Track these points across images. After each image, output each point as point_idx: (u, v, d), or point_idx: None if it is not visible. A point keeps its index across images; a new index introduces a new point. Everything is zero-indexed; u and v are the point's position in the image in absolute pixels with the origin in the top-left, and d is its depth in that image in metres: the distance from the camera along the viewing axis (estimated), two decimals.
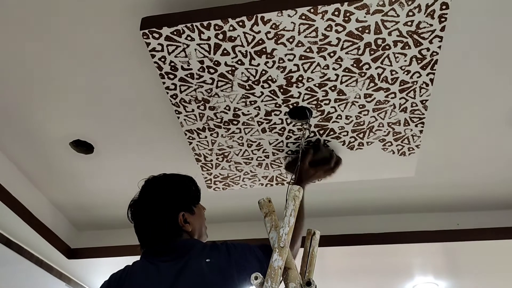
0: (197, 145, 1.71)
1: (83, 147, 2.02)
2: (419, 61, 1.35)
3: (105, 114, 1.83)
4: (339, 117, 1.56)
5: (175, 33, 1.30)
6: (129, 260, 2.62)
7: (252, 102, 1.51)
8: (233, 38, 1.30)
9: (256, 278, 1.09)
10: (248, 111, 1.55)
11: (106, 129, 1.91)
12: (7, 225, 2.24)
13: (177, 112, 1.57)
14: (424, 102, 1.49)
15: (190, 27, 1.28)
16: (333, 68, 1.38)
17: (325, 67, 1.38)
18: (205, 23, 1.27)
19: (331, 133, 1.62)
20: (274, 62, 1.37)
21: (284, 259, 1.13)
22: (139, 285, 1.18)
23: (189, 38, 1.31)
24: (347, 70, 1.39)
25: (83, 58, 1.59)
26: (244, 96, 1.49)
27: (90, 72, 1.64)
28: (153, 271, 1.19)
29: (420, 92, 1.45)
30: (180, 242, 1.24)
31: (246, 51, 1.34)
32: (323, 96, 1.48)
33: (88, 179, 2.24)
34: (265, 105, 1.52)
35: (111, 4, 1.41)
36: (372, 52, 1.33)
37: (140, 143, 1.98)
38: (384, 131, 1.61)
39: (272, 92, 1.47)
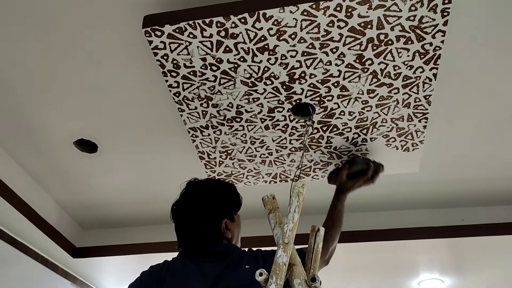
0: (200, 142, 1.71)
1: (87, 146, 2.03)
2: (422, 56, 1.34)
3: (109, 113, 1.83)
4: (342, 113, 1.55)
5: (177, 30, 1.30)
6: (135, 258, 2.65)
7: (255, 99, 1.51)
8: (235, 35, 1.30)
9: (261, 274, 1.08)
10: (251, 108, 1.55)
11: (110, 128, 1.91)
12: (12, 225, 2.25)
13: (180, 110, 1.57)
14: (427, 97, 1.48)
15: (192, 24, 1.28)
16: (336, 64, 1.38)
17: (328, 63, 1.37)
18: (207, 20, 1.27)
19: (334, 129, 1.62)
20: (276, 58, 1.37)
21: (289, 256, 1.13)
22: (182, 281, 1.21)
23: (191, 35, 1.31)
24: (349, 66, 1.39)
25: (86, 57, 1.59)
26: (247, 93, 1.49)
27: (93, 71, 1.65)
28: (196, 270, 1.22)
29: (424, 87, 1.45)
30: (221, 247, 1.28)
31: (248, 48, 1.34)
32: (326, 93, 1.47)
33: (92, 178, 2.24)
34: (268, 102, 1.52)
35: (113, 3, 1.41)
36: (374, 48, 1.32)
37: (143, 141, 1.98)
38: (388, 127, 1.61)
39: (275, 88, 1.47)
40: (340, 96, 1.49)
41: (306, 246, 1.27)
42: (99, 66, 1.63)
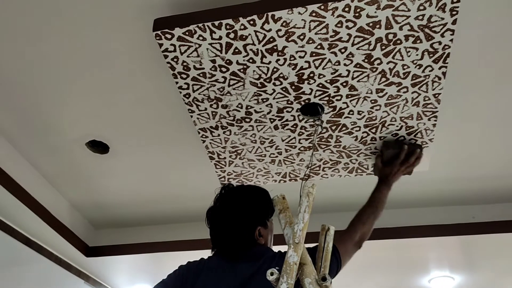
0: (210, 143, 1.73)
1: (99, 147, 2.06)
2: (431, 55, 1.34)
3: (120, 114, 1.86)
4: (351, 112, 1.56)
5: (187, 33, 1.31)
6: (146, 257, 2.68)
7: (264, 100, 1.52)
8: (244, 36, 1.31)
9: (272, 274, 1.10)
10: (260, 108, 1.56)
11: (121, 129, 1.94)
12: (27, 225, 2.29)
13: (190, 111, 1.58)
14: (436, 95, 1.48)
15: (202, 27, 1.29)
16: (344, 64, 1.38)
17: (336, 63, 1.38)
18: (216, 22, 1.28)
19: (344, 128, 1.63)
20: (285, 59, 1.38)
21: (299, 255, 1.14)
22: (216, 278, 1.27)
23: (201, 38, 1.32)
24: (358, 66, 1.39)
25: (98, 59, 1.62)
26: (256, 93, 1.50)
27: (104, 73, 1.67)
28: (229, 269, 1.27)
29: (433, 86, 1.45)
30: (254, 250, 1.32)
31: (257, 49, 1.35)
32: (334, 92, 1.48)
33: (104, 179, 2.28)
34: (277, 102, 1.53)
35: (124, 6, 1.43)
36: (383, 47, 1.33)
37: (154, 142, 2.01)
38: (397, 126, 1.61)
39: (284, 89, 1.48)
40: (349, 96, 1.50)
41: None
42: (110, 69, 1.65)
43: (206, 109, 1.57)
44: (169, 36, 1.32)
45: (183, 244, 2.57)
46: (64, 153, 2.10)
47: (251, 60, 1.38)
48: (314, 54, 1.36)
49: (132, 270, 2.92)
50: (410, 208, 2.44)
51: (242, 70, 1.42)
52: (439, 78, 1.42)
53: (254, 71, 1.42)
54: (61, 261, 2.62)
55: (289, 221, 1.28)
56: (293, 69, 1.40)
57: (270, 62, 1.39)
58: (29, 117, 1.89)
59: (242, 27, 1.28)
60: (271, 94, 1.50)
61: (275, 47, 1.34)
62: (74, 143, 2.03)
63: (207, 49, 1.36)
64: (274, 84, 1.46)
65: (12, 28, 1.50)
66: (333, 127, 1.63)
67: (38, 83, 1.72)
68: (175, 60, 1.40)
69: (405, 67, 1.39)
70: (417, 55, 1.34)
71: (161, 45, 1.35)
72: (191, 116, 1.61)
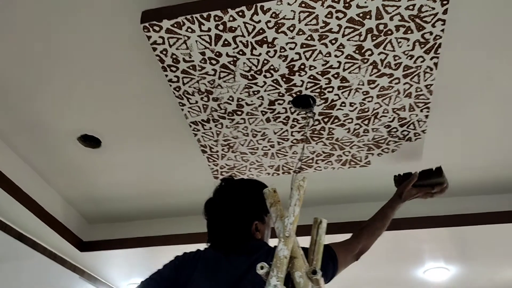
0: (202, 136, 1.72)
1: (90, 141, 2.04)
2: (422, 45, 1.33)
3: (111, 108, 1.84)
4: (343, 104, 1.55)
5: (175, 25, 1.29)
6: (140, 251, 2.67)
7: (255, 92, 1.51)
8: (233, 28, 1.29)
9: (262, 267, 1.09)
10: (251, 101, 1.54)
11: (113, 123, 1.92)
12: (20, 220, 2.28)
13: (181, 104, 1.57)
14: (428, 86, 1.47)
15: (190, 19, 1.27)
16: (335, 55, 1.37)
17: (327, 55, 1.37)
18: (205, 14, 1.26)
19: (336, 120, 1.62)
20: (275, 51, 1.36)
21: (290, 249, 1.13)
22: (212, 271, 1.26)
23: (189, 30, 1.30)
24: (349, 57, 1.38)
25: (89, 54, 1.60)
26: (247, 86, 1.48)
27: (96, 67, 1.65)
28: (226, 262, 1.27)
29: (425, 76, 1.44)
30: (250, 243, 1.31)
31: (247, 41, 1.33)
32: (326, 84, 1.47)
33: (97, 173, 2.26)
34: (268, 94, 1.52)
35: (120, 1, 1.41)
36: (374, 38, 1.31)
37: (146, 136, 1.99)
38: (389, 117, 1.60)
39: (275, 81, 1.46)
40: (341, 87, 1.48)
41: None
42: (101, 63, 1.63)
43: (197, 102, 1.56)
44: (157, 28, 1.30)
45: (177, 238, 2.56)
46: (56, 148, 2.08)
47: (241, 52, 1.37)
48: (304, 46, 1.34)
49: (127, 264, 2.91)
50: None
51: (232, 63, 1.40)
52: (431, 69, 1.41)
53: (244, 63, 1.40)
54: (55, 256, 2.61)
55: (280, 214, 1.27)
56: (283, 61, 1.39)
57: (260, 54, 1.37)
58: (20, 113, 1.87)
59: (231, 18, 1.27)
60: (262, 87, 1.49)
61: (265, 39, 1.32)
62: (66, 138, 2.01)
63: (196, 41, 1.34)
64: (265, 76, 1.45)
65: (1, 26, 1.48)
66: (325, 119, 1.62)
67: (28, 79, 1.70)
68: (164, 53, 1.38)
69: (397, 58, 1.38)
70: (408, 45, 1.33)
71: (149, 37, 1.33)
72: (182, 110, 1.59)
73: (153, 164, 2.17)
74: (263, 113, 1.59)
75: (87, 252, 2.66)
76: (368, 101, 1.53)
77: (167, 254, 1.38)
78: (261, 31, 1.30)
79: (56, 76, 1.69)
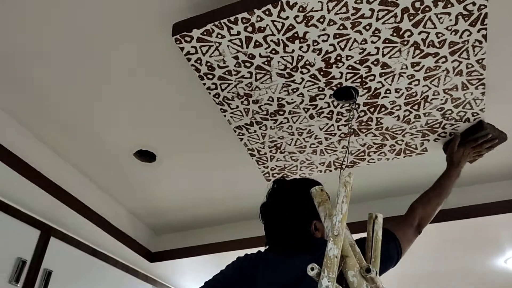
0: (248, 140, 1.71)
1: (146, 156, 2.12)
2: (466, 18, 1.23)
3: (161, 122, 1.89)
4: (388, 91, 1.47)
5: (205, 33, 1.30)
6: (207, 258, 2.72)
7: (294, 90, 1.48)
8: (262, 28, 1.28)
9: (312, 269, 1.06)
10: (292, 99, 1.52)
11: (164, 137, 1.98)
12: (91, 237, 2.41)
13: (222, 110, 1.58)
14: (480, 61, 1.36)
15: (218, 24, 1.27)
16: (372, 42, 1.30)
17: (363, 42, 1.30)
18: (232, 18, 1.25)
19: (383, 109, 1.54)
20: (308, 45, 1.32)
21: (340, 248, 1.09)
22: (274, 271, 1.26)
23: (219, 36, 1.31)
24: (387, 41, 1.30)
25: (133, 70, 1.64)
26: (285, 84, 1.46)
27: (141, 83, 1.70)
28: (286, 263, 1.26)
29: (474, 51, 1.32)
30: (310, 243, 1.30)
31: (278, 39, 1.31)
32: (366, 73, 1.40)
33: (156, 186, 2.34)
34: (308, 90, 1.48)
35: (147, 16, 1.44)
36: (411, 18, 1.23)
37: (197, 145, 2.02)
38: (441, 99, 1.50)
39: (313, 76, 1.42)
40: (383, 74, 1.41)
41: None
42: (145, 78, 1.68)
43: (237, 106, 1.56)
44: (188, 38, 1.32)
45: (242, 243, 2.58)
46: (116, 165, 2.18)
47: (273, 51, 1.35)
48: (337, 36, 1.29)
49: (196, 271, 2.98)
50: (479, 185, 2.27)
51: (266, 63, 1.39)
52: (480, 42, 1.30)
53: (278, 62, 1.38)
54: (128, 268, 2.73)
55: (328, 213, 1.23)
56: (318, 54, 1.35)
57: (293, 50, 1.34)
58: (80, 134, 1.98)
59: (259, 18, 1.25)
60: (300, 83, 1.45)
61: (295, 35, 1.29)
62: (123, 154, 2.10)
63: (228, 46, 1.34)
64: (301, 72, 1.41)
65: (58, 51, 1.58)
66: (371, 109, 1.55)
67: (81, 98, 1.79)
68: (199, 61, 1.39)
69: (440, 35, 1.28)
70: (450, 20, 1.23)
71: (182, 48, 1.35)
72: (224, 116, 1.60)
73: (207, 172, 2.21)
74: (306, 110, 1.55)
75: (157, 262, 2.76)
76: (415, 85, 1.44)
77: (234, 259, 1.40)
78: (290, 27, 1.27)
79: (104, 95, 1.77)
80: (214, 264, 2.91)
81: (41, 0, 1.41)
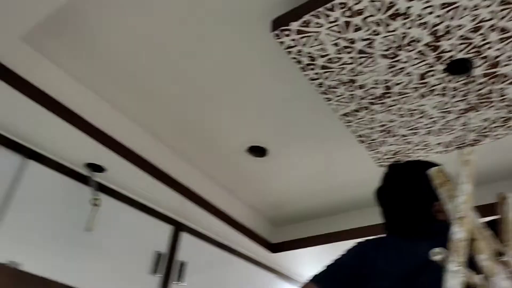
0: (356, 127, 1.68)
1: (258, 152, 2.20)
2: None
3: (268, 117, 1.95)
4: (510, 58, 1.33)
5: (303, 24, 1.31)
6: (325, 247, 2.73)
7: (401, 70, 1.41)
8: (360, 10, 1.25)
9: (437, 254, 1.01)
10: (399, 80, 1.45)
11: (273, 131, 2.03)
12: (216, 230, 2.59)
13: (327, 99, 1.57)
14: None
15: (316, 14, 1.27)
16: (485, 6, 1.19)
17: (474, 8, 1.20)
18: (328, 5, 1.25)
19: (505, 79, 1.40)
20: (412, 21, 1.26)
21: (466, 230, 1.02)
22: (396, 257, 1.23)
23: (318, 25, 1.31)
24: (504, 2, 1.18)
25: (237, 70, 1.72)
26: (390, 65, 1.40)
27: (248, 82, 1.77)
28: (409, 248, 1.22)
29: None
30: (434, 226, 1.25)
31: (378, 19, 1.26)
32: (482, 41, 1.29)
33: (270, 179, 2.42)
34: (416, 69, 1.40)
35: (245, 16, 1.50)
36: None
37: (305, 136, 2.04)
38: None
39: (420, 53, 1.35)
40: (502, 40, 1.28)
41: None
42: (251, 76, 1.74)
43: (342, 94, 1.54)
44: (287, 32, 1.34)
45: (360, 231, 2.54)
46: (232, 162, 2.30)
47: (375, 33, 1.30)
48: (445, 5, 1.20)
49: (315, 261, 3.01)
50: None
51: (368, 46, 1.35)
52: None
53: (381, 43, 1.33)
54: (251, 259, 2.88)
55: (451, 194, 1.16)
56: (424, 29, 1.27)
57: (396, 29, 1.28)
58: (197, 132, 2.12)
59: (356, 1, 1.22)
60: (406, 62, 1.38)
61: (397, 11, 1.24)
62: (237, 151, 2.21)
63: (327, 34, 1.33)
64: (407, 50, 1.35)
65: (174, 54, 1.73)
66: (491, 81, 1.41)
67: (197, 99, 1.92)
68: (299, 53, 1.41)
69: None
70: None
71: (282, 43, 1.38)
72: (330, 104, 1.59)
73: (318, 162, 2.22)
74: (415, 89, 1.48)
75: (278, 253, 2.85)
76: None
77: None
78: (390, 4, 1.22)
79: (216, 94, 1.87)
80: (332, 254, 2.91)
81: None
